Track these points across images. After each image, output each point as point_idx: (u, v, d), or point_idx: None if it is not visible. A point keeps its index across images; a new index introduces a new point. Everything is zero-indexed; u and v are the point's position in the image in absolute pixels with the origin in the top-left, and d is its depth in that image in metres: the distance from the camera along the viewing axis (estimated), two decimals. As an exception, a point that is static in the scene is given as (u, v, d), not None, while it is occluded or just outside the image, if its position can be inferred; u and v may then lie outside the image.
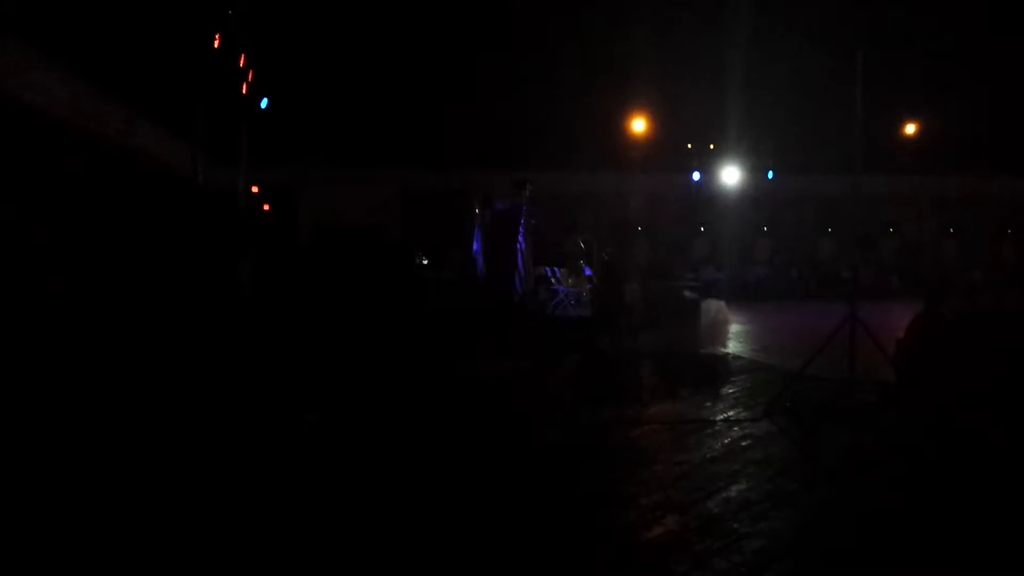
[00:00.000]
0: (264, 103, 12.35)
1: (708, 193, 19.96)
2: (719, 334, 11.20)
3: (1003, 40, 26.58)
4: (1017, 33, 26.35)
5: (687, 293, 11.66)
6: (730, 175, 17.00)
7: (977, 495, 4.73)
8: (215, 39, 10.49)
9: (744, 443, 5.86)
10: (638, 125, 24.63)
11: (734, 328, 11.86)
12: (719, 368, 9.58)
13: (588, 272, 14.16)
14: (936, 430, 6.36)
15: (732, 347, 11.32)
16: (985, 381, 6.68)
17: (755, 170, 17.18)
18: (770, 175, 17.44)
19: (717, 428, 6.38)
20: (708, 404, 7.40)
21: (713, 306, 11.29)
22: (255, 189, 19.52)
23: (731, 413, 6.95)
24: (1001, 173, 28.94)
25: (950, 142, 27.64)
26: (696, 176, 18.79)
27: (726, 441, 5.92)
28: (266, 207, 23.15)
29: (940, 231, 30.47)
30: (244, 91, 11.76)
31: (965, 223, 30.42)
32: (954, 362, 6.96)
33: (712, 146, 18.05)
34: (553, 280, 14.18)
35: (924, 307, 8.08)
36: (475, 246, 14.31)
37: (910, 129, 28.20)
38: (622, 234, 24.56)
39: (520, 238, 13.06)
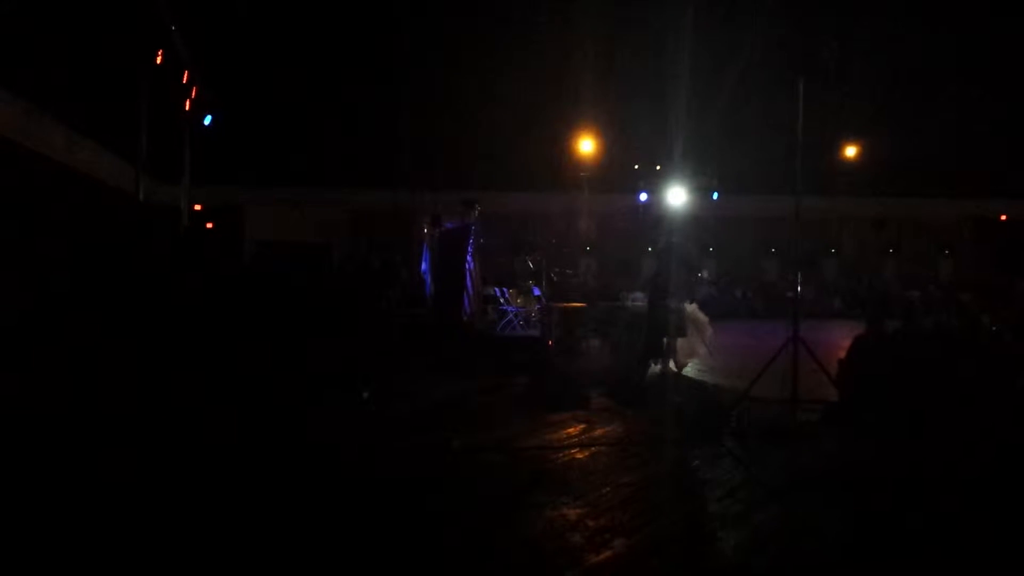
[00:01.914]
0: (208, 120, 12.17)
1: (655, 213, 20.20)
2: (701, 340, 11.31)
3: (941, 67, 27.54)
4: (954, 60, 27.35)
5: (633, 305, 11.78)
6: (676, 196, 17.20)
7: (915, 511, 4.82)
8: (158, 55, 10.30)
9: (691, 464, 5.90)
10: (586, 146, 24.86)
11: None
12: (667, 389, 9.65)
13: (537, 292, 14.18)
14: (875, 450, 6.47)
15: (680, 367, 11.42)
16: (921, 401, 6.83)
17: (700, 191, 17.42)
18: (715, 196, 17.68)
19: (664, 449, 6.41)
20: (656, 424, 7.44)
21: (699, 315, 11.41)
22: (198, 207, 19.23)
23: (678, 433, 6.99)
24: (938, 196, 29.87)
25: (889, 165, 28.45)
26: (643, 196, 18.97)
27: (673, 462, 5.95)
28: (209, 225, 22.77)
29: (879, 252, 31.27)
30: (187, 108, 11.58)
31: (903, 244, 31.28)
32: (893, 381, 7.10)
33: (658, 167, 18.26)
34: (502, 300, 14.16)
35: (864, 327, 8.26)
36: (423, 265, 14.27)
37: (850, 152, 28.95)
38: (571, 254, 24.69)
39: (469, 258, 13.05)
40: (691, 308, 11.27)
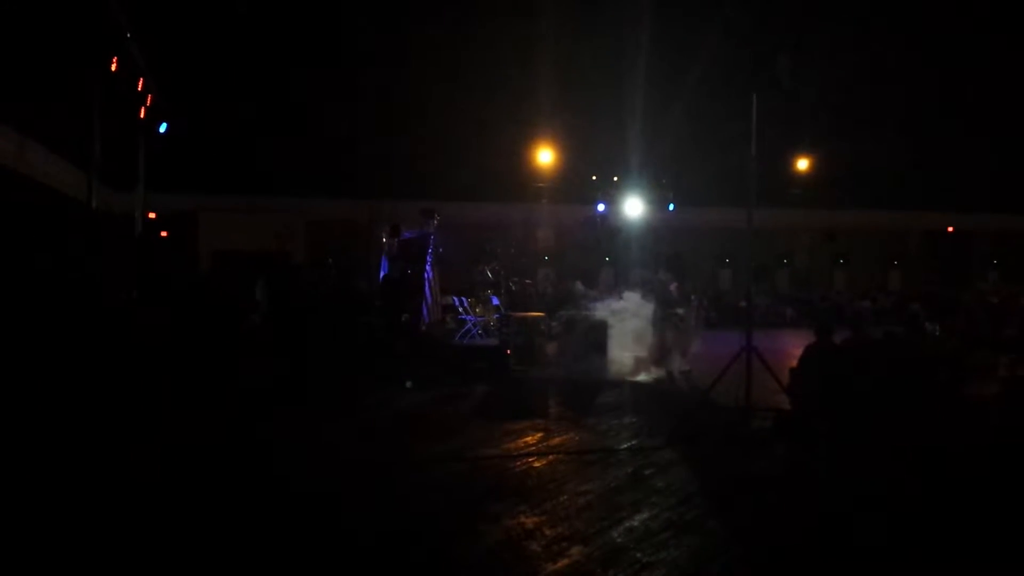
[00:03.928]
0: (163, 128, 12.03)
1: (613, 224, 20.40)
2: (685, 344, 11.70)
3: (892, 81, 28.24)
4: (905, 75, 28.03)
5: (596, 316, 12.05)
6: (633, 207, 17.40)
7: (863, 515, 4.95)
8: (113, 62, 10.16)
9: (647, 472, 5.97)
10: (544, 157, 25.00)
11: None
12: (623, 396, 9.76)
13: (496, 302, 14.22)
14: (825, 456, 6.62)
15: (636, 375, 11.54)
16: (869, 408, 7.00)
17: (657, 202, 17.64)
18: (671, 207, 17.93)
19: (621, 457, 6.48)
20: (612, 432, 7.52)
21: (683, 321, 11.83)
22: (152, 215, 18.95)
23: (634, 442, 7.08)
24: (888, 208, 30.55)
25: (839, 178, 29.03)
26: (601, 207, 19.14)
27: (629, 470, 6.02)
28: (164, 233, 22.47)
29: (830, 262, 31.86)
30: (142, 115, 11.44)
31: (854, 254, 31.90)
32: (842, 390, 7.26)
33: (616, 178, 18.44)
34: (461, 309, 14.17)
35: (815, 336, 8.44)
36: (382, 274, 14.19)
37: (802, 165, 29.49)
38: (531, 263, 24.79)
39: (428, 267, 13.04)
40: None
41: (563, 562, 4.11)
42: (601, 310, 12.53)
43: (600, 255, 26.94)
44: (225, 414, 8.00)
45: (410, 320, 11.73)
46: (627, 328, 12.09)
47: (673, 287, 12.23)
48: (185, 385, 8.46)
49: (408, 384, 9.95)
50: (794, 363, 8.17)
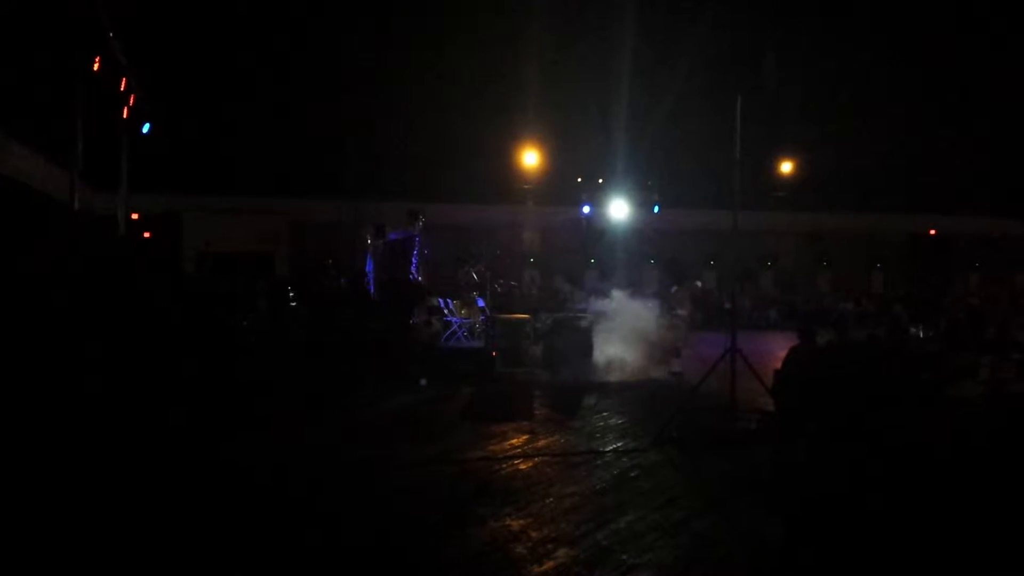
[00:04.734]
0: (146, 128, 11.96)
1: (598, 226, 20.45)
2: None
3: (875, 83, 28.41)
4: (888, 77, 28.21)
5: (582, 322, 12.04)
6: (618, 209, 17.47)
7: (847, 516, 4.98)
8: (96, 62, 10.09)
9: (632, 473, 5.98)
10: (530, 158, 25.05)
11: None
12: (609, 397, 9.76)
13: (481, 303, 14.22)
14: (809, 457, 6.65)
15: (622, 377, 11.56)
16: (851, 410, 7.04)
17: (642, 204, 17.72)
18: (656, 209, 18.01)
19: (607, 459, 6.49)
20: (598, 434, 7.53)
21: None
22: (135, 216, 18.81)
23: (620, 444, 7.08)
24: (871, 211, 30.76)
25: (823, 180, 29.20)
26: (586, 209, 19.20)
27: (615, 472, 6.03)
28: (147, 234, 22.31)
29: (814, 264, 32.03)
30: (125, 115, 11.37)
31: (837, 257, 32.09)
32: (825, 391, 7.30)
33: (601, 180, 18.51)
34: (446, 311, 14.15)
35: (798, 338, 8.48)
36: (369, 276, 14.16)
37: (786, 168, 29.67)
38: (516, 265, 24.79)
39: (413, 268, 13.01)
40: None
41: (549, 564, 4.11)
42: (587, 311, 12.55)
43: (585, 257, 26.99)
44: (213, 412, 7.94)
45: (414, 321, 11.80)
46: (613, 329, 12.12)
47: (674, 289, 12.33)
48: (179, 383, 8.40)
49: (423, 382, 10.38)
50: (778, 365, 8.21)
